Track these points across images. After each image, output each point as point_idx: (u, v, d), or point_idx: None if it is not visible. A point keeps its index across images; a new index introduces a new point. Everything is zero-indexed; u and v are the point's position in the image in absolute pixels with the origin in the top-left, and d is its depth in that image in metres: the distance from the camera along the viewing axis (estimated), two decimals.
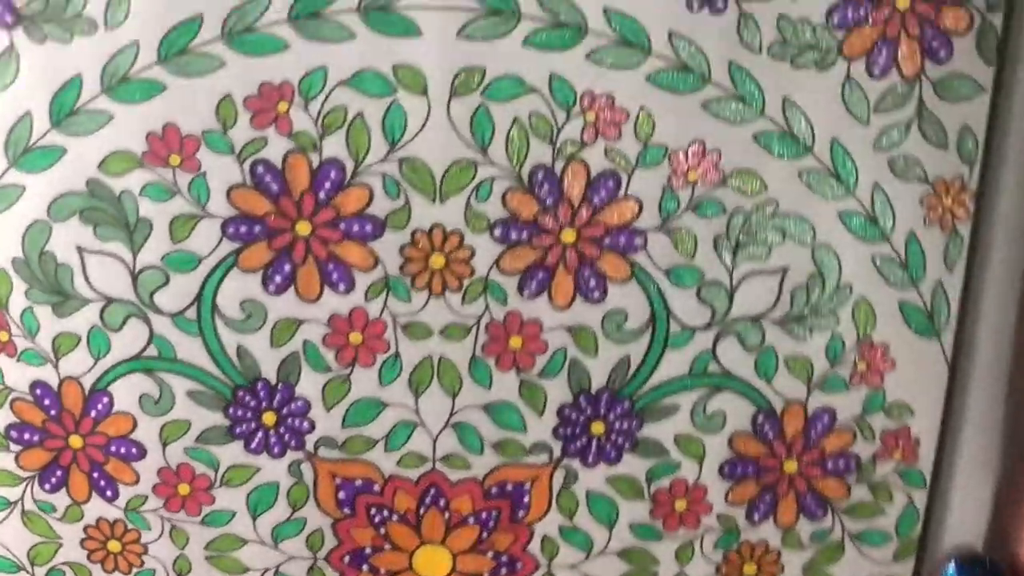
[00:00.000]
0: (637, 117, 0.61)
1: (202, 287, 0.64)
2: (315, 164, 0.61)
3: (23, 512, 0.70)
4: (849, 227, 0.65)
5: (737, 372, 0.67)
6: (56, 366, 0.66)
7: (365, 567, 0.71)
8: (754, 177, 0.63)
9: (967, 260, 0.66)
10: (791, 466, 0.70)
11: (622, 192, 0.63)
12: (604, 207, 0.63)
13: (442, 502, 0.69)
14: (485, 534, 0.70)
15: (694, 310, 0.65)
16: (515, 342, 0.66)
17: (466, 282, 0.64)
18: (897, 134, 0.63)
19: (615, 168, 0.62)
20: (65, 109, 0.60)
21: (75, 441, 0.68)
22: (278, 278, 0.64)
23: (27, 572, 0.72)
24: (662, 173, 0.63)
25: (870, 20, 0.61)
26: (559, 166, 0.62)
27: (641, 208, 0.63)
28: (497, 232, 0.63)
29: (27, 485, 0.69)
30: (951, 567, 0.72)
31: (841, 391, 0.68)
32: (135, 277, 0.63)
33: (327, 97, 0.60)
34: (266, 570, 0.71)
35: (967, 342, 0.68)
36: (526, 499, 0.70)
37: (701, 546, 0.71)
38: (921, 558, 0.73)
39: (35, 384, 0.67)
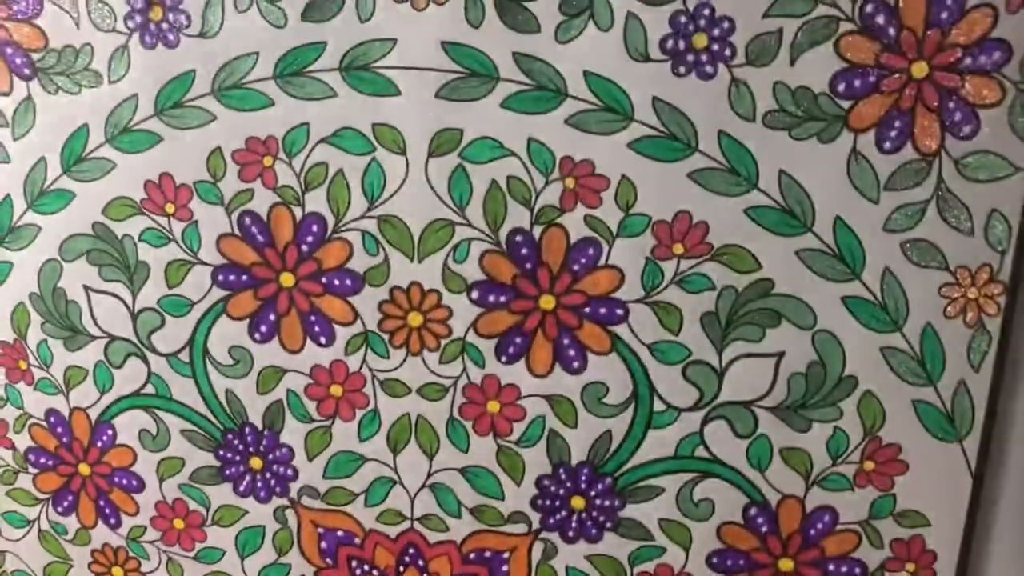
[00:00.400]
0: (618, 185, 0.59)
1: (194, 331, 0.66)
2: (298, 217, 0.62)
3: (39, 532, 0.74)
4: (855, 314, 0.59)
5: (727, 459, 0.63)
6: (67, 396, 0.70)
7: None
8: (745, 253, 0.59)
9: (996, 359, 0.59)
10: (787, 564, 0.64)
11: (603, 261, 0.60)
12: (584, 275, 0.61)
13: (421, 562, 0.68)
14: None
15: (680, 389, 0.62)
16: (492, 406, 0.64)
17: (443, 342, 0.63)
18: (912, 215, 0.57)
19: (595, 236, 0.60)
20: (74, 156, 0.64)
21: (84, 469, 0.71)
22: (263, 327, 0.65)
23: None
24: (645, 243, 0.60)
25: (881, 89, 0.56)
26: (537, 231, 0.60)
27: (623, 278, 0.60)
28: (475, 294, 0.62)
29: (43, 507, 0.73)
30: None
31: (845, 490, 0.62)
32: (135, 317, 0.66)
33: (310, 153, 0.61)
34: None
35: (996, 451, 0.61)
36: (505, 568, 0.68)
37: None
38: None
39: (49, 412, 0.71)
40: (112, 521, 0.72)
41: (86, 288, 0.66)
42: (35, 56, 0.62)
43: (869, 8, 0.55)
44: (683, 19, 0.56)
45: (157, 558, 0.72)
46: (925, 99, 0.56)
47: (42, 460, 0.72)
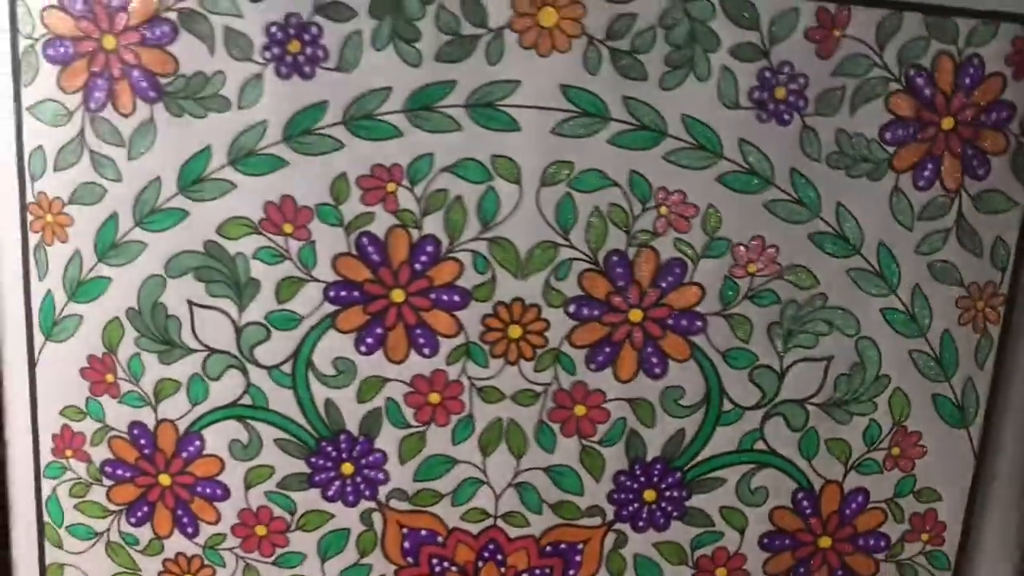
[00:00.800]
0: (706, 212, 0.68)
1: (300, 344, 0.69)
2: (415, 239, 0.68)
3: (108, 544, 0.75)
4: (890, 323, 0.71)
5: (781, 450, 0.73)
6: (155, 409, 0.71)
7: None
8: (807, 272, 0.69)
9: (996, 359, 0.72)
10: (825, 541, 0.75)
11: (688, 278, 0.69)
12: (670, 291, 0.69)
13: (500, 557, 0.74)
14: None
15: (746, 391, 0.71)
16: (580, 410, 0.71)
17: (539, 352, 0.70)
18: (937, 241, 0.70)
19: (682, 257, 0.69)
20: (192, 176, 0.67)
21: (164, 479, 0.73)
22: (370, 340, 0.69)
23: None
24: (725, 264, 0.69)
25: (918, 138, 0.68)
26: (632, 252, 0.69)
27: (704, 294, 0.69)
28: (571, 308, 0.69)
29: (115, 518, 0.74)
30: None
31: (875, 473, 0.74)
32: (239, 331, 0.69)
33: (431, 180, 0.67)
34: None
35: (994, 436, 0.74)
36: (578, 558, 0.75)
37: None
38: None
39: (133, 424, 0.72)
40: (189, 530, 0.74)
41: (190, 304, 0.69)
42: (163, 80, 0.65)
43: (912, 73, 0.67)
44: (768, 74, 0.66)
45: (234, 565, 0.75)
46: (951, 147, 0.69)
47: (119, 472, 0.73)
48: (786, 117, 0.67)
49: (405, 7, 0.64)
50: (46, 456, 0.73)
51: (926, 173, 0.69)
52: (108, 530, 0.74)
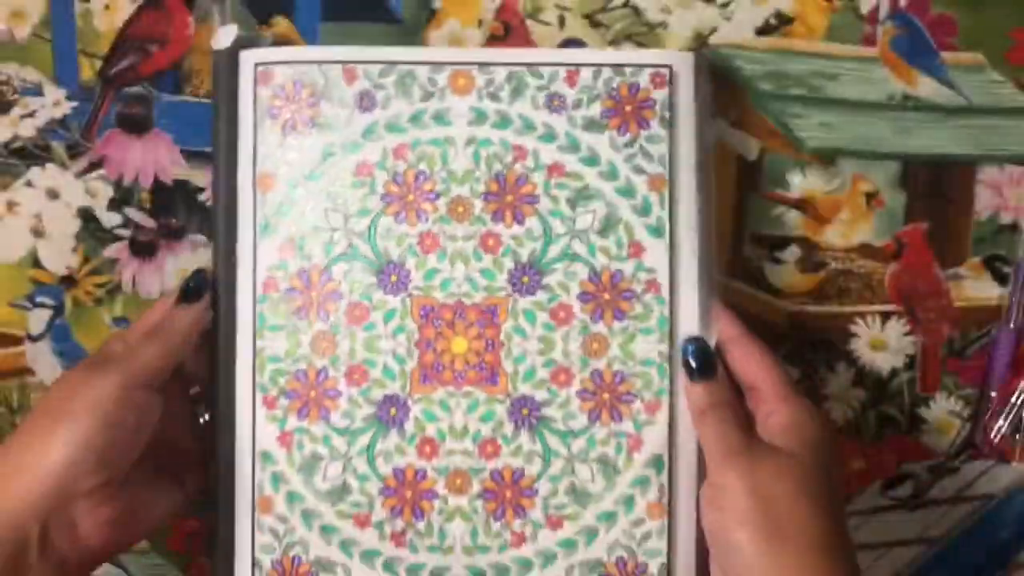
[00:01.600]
0: (534, 151, 1.65)
1: (372, 219, 1.63)
2: (416, 172, 1.64)
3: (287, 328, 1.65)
4: (618, 192, 1.65)
5: (581, 254, 1.65)
6: (309, 260, 1.65)
7: (429, 348, 1.64)
8: (579, 175, 1.65)
9: (669, 196, 1.66)
10: (607, 297, 1.66)
11: (529, 179, 1.65)
12: (523, 185, 1.65)
13: (463, 315, 1.65)
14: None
15: (563, 225, 1.65)
16: (490, 241, 1.65)
17: (470, 215, 1.65)
18: (632, 157, 1.65)
19: (527, 173, 1.65)
20: (325, 154, 1.64)
21: (315, 295, 1.64)
22: (399, 218, 1.64)
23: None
24: (545, 173, 1.65)
25: (612, 115, 1.66)
26: (506, 172, 1.65)
27: (537, 185, 1.65)
28: (483, 197, 1.64)
29: (292, 317, 1.65)
30: (686, 345, 1.63)
31: (623, 260, 1.65)
32: (347, 219, 1.64)
33: (420, 148, 1.64)
34: (387, 351, 1.64)
35: (673, 245, 1.66)
36: (497, 311, 1.65)
37: None
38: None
39: (299, 270, 1.64)
40: (323, 317, 1.64)
41: (326, 210, 1.64)
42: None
43: (611, 91, 1.67)
44: (552, 94, 1.66)
45: (344, 331, 1.64)
46: (633, 116, 1.67)
47: (292, 293, 1.65)
48: (563, 112, 1.66)
49: None
50: (258, 291, 1.65)
51: (623, 129, 1.66)
52: (288, 324, 1.65)
